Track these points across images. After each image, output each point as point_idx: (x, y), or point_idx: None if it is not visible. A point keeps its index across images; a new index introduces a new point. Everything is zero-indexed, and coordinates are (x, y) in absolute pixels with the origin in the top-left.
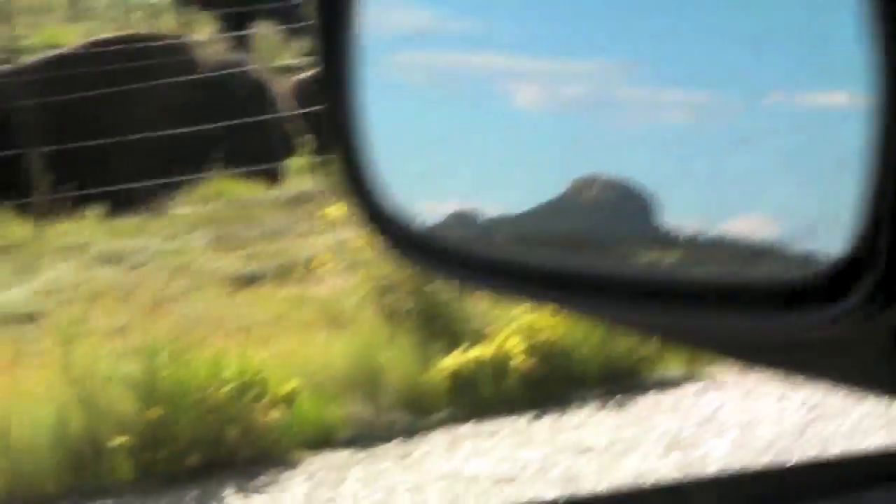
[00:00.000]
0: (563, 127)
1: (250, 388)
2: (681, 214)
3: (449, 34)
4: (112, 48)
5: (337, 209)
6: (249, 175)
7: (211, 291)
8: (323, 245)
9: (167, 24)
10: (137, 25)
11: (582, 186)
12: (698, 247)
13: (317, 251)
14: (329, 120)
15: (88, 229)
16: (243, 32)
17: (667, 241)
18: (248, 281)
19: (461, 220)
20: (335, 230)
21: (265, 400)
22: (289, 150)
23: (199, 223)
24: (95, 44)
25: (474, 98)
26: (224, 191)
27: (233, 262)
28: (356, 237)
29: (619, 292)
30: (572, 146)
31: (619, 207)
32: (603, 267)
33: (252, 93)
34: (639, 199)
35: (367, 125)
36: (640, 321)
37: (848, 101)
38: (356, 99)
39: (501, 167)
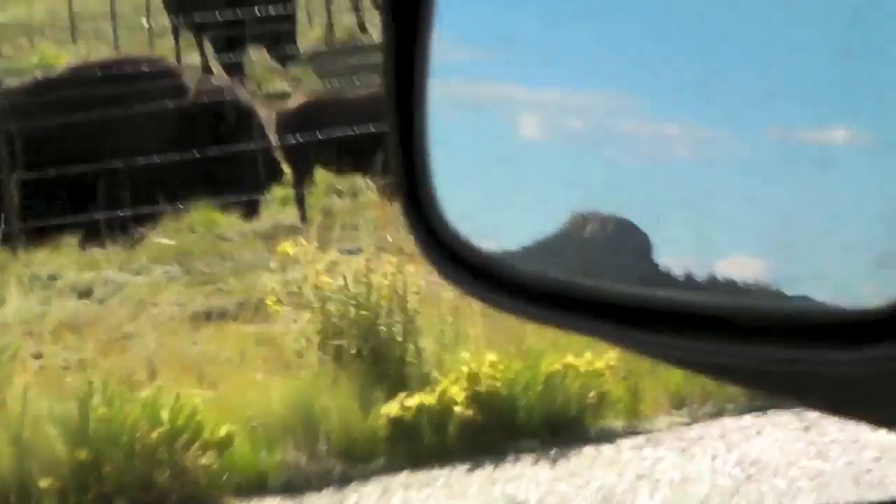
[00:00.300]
0: (565, 159)
1: (184, 431)
2: (686, 251)
3: (462, 61)
4: (98, 72)
5: (293, 245)
6: (229, 205)
7: (171, 327)
8: (285, 281)
9: (165, 46)
10: (136, 48)
11: (580, 219)
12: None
13: (277, 288)
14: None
15: (61, 259)
16: (236, 58)
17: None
18: (211, 317)
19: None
20: (297, 266)
21: (199, 443)
22: (272, 180)
23: (171, 256)
24: (81, 67)
25: (483, 126)
26: (202, 222)
27: (199, 297)
28: (315, 274)
29: (659, 322)
30: (574, 179)
31: (618, 243)
32: (632, 294)
33: (238, 121)
34: (639, 237)
35: (427, 144)
36: (696, 355)
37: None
38: (420, 118)
39: (506, 197)
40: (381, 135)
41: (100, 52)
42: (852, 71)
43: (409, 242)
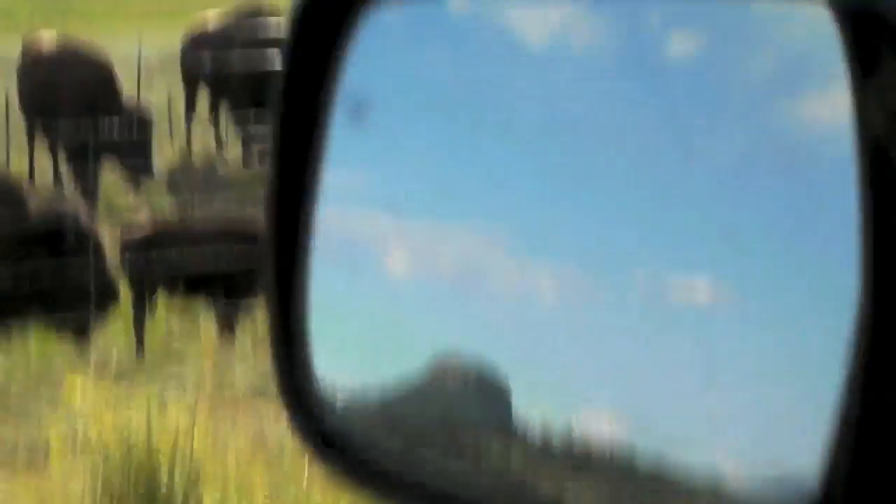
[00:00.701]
0: (431, 297)
1: None
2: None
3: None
4: None
5: (81, 390)
6: (63, 329)
7: None
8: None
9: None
10: None
11: (443, 367)
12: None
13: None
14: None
15: None
16: (87, 169)
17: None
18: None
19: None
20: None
21: None
22: (107, 305)
23: None
24: None
25: (351, 262)
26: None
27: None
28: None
29: None
30: (438, 318)
31: (477, 394)
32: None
33: (77, 241)
34: (499, 387)
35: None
36: None
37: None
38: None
39: (371, 339)
40: (227, 263)
41: None
42: (727, 222)
43: (228, 381)
